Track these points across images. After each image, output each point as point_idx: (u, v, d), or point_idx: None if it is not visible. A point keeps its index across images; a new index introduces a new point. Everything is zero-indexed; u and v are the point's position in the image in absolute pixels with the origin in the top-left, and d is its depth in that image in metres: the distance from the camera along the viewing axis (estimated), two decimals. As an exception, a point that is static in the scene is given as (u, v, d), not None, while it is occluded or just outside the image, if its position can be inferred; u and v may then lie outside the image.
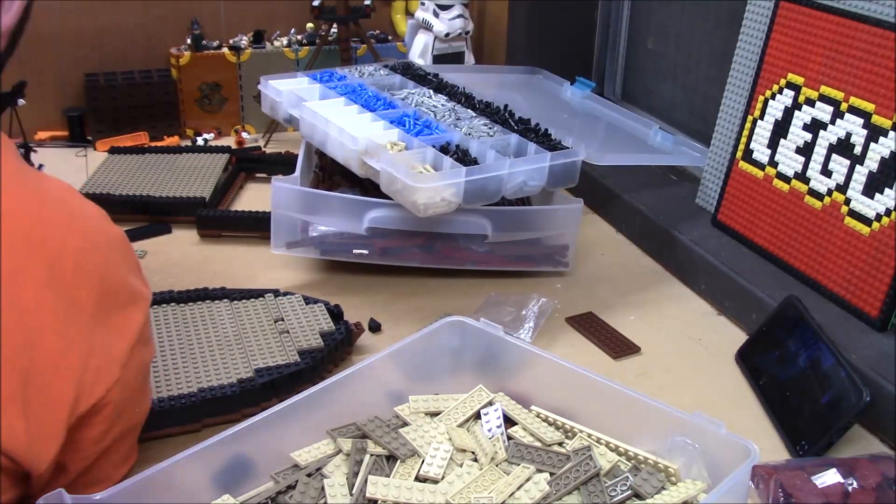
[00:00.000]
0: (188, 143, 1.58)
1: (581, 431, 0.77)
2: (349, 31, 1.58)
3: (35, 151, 1.42)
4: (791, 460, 0.76)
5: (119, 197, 1.26)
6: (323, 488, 0.69)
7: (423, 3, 1.61)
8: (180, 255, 1.18)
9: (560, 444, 0.77)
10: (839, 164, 0.97)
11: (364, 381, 0.78)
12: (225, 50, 1.59)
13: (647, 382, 0.93)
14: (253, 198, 1.37)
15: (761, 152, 1.08)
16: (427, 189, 0.95)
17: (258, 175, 1.45)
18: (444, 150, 1.04)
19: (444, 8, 1.58)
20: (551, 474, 0.72)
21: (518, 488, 0.70)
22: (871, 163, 0.93)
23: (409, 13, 1.77)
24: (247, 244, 1.20)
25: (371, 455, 0.73)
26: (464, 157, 1.03)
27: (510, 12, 1.62)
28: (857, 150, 0.95)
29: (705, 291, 1.10)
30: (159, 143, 1.56)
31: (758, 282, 1.01)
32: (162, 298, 0.97)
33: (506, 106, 1.22)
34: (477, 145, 1.05)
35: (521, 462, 0.73)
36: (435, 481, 0.71)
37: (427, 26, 1.60)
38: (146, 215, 1.25)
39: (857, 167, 0.95)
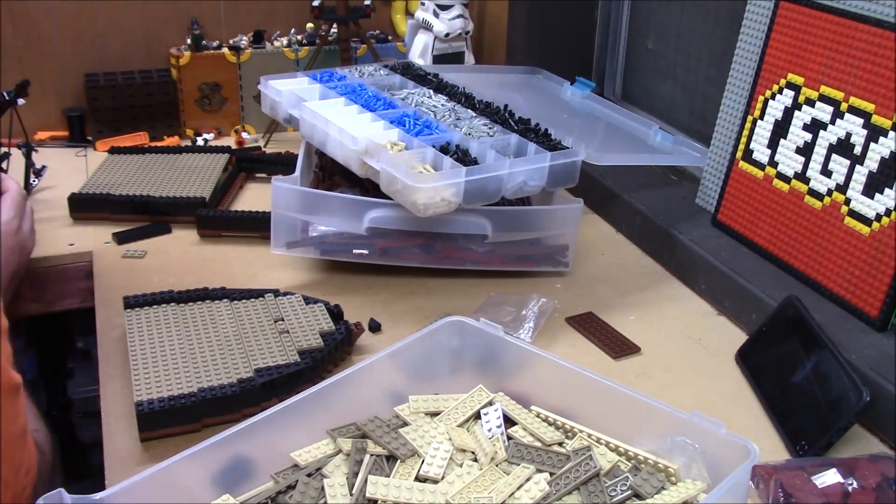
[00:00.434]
0: (188, 143, 1.58)
1: (581, 431, 0.77)
2: (349, 31, 1.58)
3: (36, 151, 1.42)
4: (791, 460, 0.76)
5: (119, 197, 1.26)
6: (323, 488, 0.69)
7: (423, 3, 1.61)
8: (180, 255, 1.18)
9: (560, 444, 0.77)
10: (839, 164, 0.97)
11: (364, 381, 0.78)
12: (225, 50, 1.59)
13: (647, 382, 0.93)
14: (253, 198, 1.37)
15: (761, 152, 1.08)
16: (427, 189, 0.95)
17: (258, 175, 1.45)
18: (444, 150, 1.04)
19: (444, 8, 1.58)
20: (551, 474, 0.72)
21: (518, 488, 0.70)
22: (871, 163, 0.93)
23: (409, 13, 1.77)
24: (247, 244, 1.20)
25: (371, 455, 0.73)
26: (464, 157, 1.03)
27: (510, 12, 1.62)
28: (857, 150, 0.95)
29: (705, 291, 1.10)
30: (159, 143, 1.56)
31: (758, 282, 1.01)
32: (162, 298, 0.97)
33: (506, 106, 1.22)
34: (477, 145, 1.05)
35: (521, 462, 0.73)
36: (435, 481, 0.71)
37: (427, 26, 1.60)
38: (146, 215, 1.25)
39: (857, 167, 0.95)
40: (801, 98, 1.02)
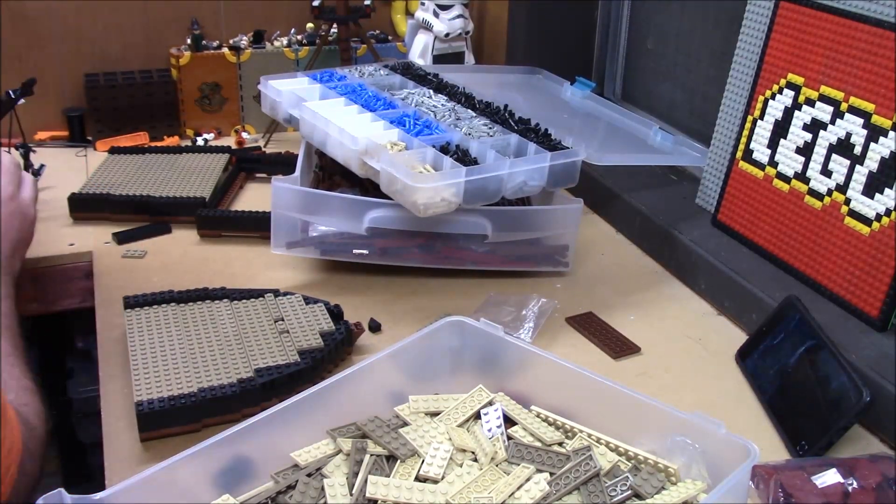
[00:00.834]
0: (188, 143, 1.58)
1: (581, 431, 0.77)
2: (349, 31, 1.58)
3: (34, 152, 1.42)
4: (791, 460, 0.76)
5: (119, 197, 1.26)
6: (323, 488, 0.69)
7: (423, 3, 1.61)
8: (180, 255, 1.18)
9: (560, 444, 0.77)
10: (839, 164, 0.97)
11: (364, 381, 0.78)
12: (225, 50, 1.59)
13: (647, 382, 0.93)
14: (253, 198, 1.37)
15: (761, 152, 1.08)
16: (427, 189, 0.95)
17: (258, 175, 1.45)
18: (444, 150, 1.04)
19: (444, 8, 1.58)
20: (551, 474, 0.72)
21: (518, 488, 0.70)
22: (871, 163, 0.93)
23: (409, 13, 1.77)
24: (247, 244, 1.20)
25: (371, 455, 0.73)
26: (464, 157, 1.03)
27: (510, 12, 1.62)
28: (857, 150, 0.95)
29: (705, 291, 1.10)
30: (159, 143, 1.56)
31: (758, 282, 1.01)
32: (162, 298, 0.97)
33: (506, 106, 1.22)
34: (477, 145, 1.05)
35: (521, 462, 0.73)
36: (435, 481, 0.71)
37: (427, 26, 1.60)
38: (146, 215, 1.25)
39: (857, 167, 0.95)
40: (801, 98, 1.02)
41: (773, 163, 1.06)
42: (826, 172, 0.99)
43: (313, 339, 0.90)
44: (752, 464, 0.67)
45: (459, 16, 1.59)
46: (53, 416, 0.84)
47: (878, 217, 0.92)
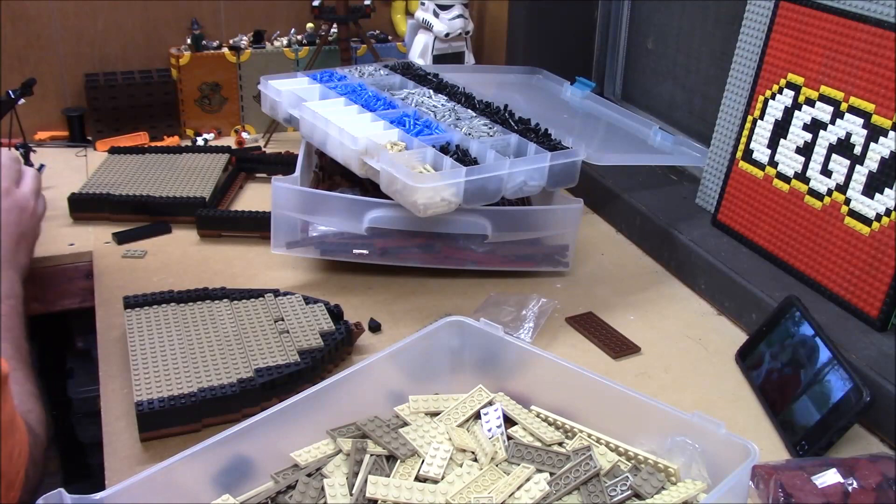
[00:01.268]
0: (188, 143, 1.58)
1: (581, 431, 0.77)
2: (349, 31, 1.58)
3: (34, 151, 1.42)
4: (791, 460, 0.76)
5: (119, 197, 1.26)
6: (323, 488, 0.69)
7: (423, 3, 1.61)
8: (180, 255, 1.18)
9: (560, 444, 0.77)
10: (839, 164, 0.97)
11: (364, 381, 0.78)
12: (225, 50, 1.59)
13: (647, 382, 0.93)
14: (253, 198, 1.37)
15: (761, 152, 1.08)
16: (427, 189, 0.95)
17: (258, 175, 1.45)
18: (444, 150, 1.04)
19: (444, 8, 1.58)
20: (551, 474, 0.72)
21: (518, 488, 0.70)
22: (871, 163, 0.93)
23: (409, 13, 1.77)
24: (247, 244, 1.20)
25: (371, 455, 0.73)
26: (464, 157, 1.03)
27: (510, 12, 1.62)
28: (857, 150, 0.95)
29: (705, 291, 1.10)
30: (159, 143, 1.56)
31: (758, 282, 1.01)
32: (162, 298, 0.97)
33: (506, 106, 1.22)
34: (477, 145, 1.05)
35: (521, 462, 0.73)
36: (435, 481, 0.71)
37: (427, 26, 1.60)
38: (146, 215, 1.25)
39: (857, 167, 0.95)
40: (801, 98, 1.02)
41: (773, 163, 1.06)
42: (826, 172, 0.99)
43: (313, 339, 0.90)
44: (752, 464, 0.67)
45: (459, 16, 1.59)
46: (53, 416, 0.84)
47: (878, 217, 0.92)
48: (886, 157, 0.91)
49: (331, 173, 1.25)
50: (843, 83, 0.97)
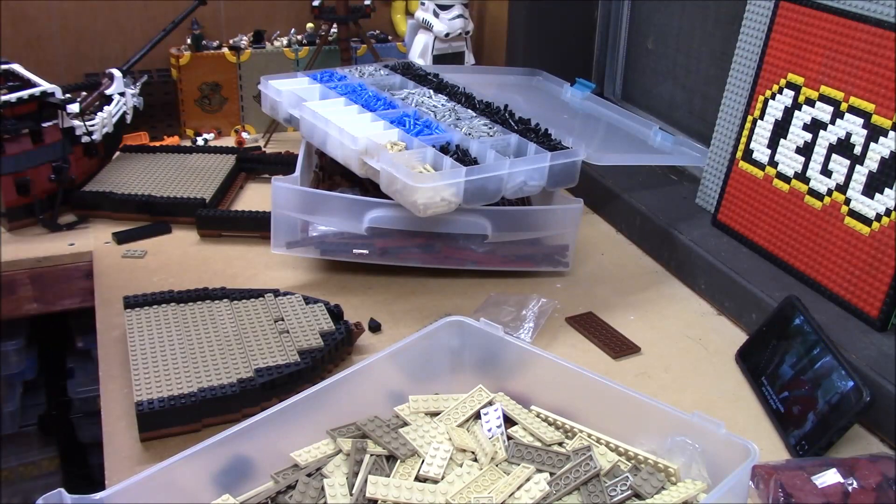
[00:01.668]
0: (188, 143, 1.57)
1: (581, 431, 0.77)
2: (349, 31, 1.58)
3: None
4: (791, 460, 0.76)
5: (120, 196, 1.26)
6: (323, 488, 0.69)
7: (423, 3, 1.61)
8: (180, 255, 1.18)
9: (560, 444, 0.77)
10: (839, 164, 0.97)
11: (364, 381, 0.78)
12: (225, 50, 1.59)
13: (647, 382, 0.93)
14: (253, 198, 1.37)
15: (761, 152, 1.08)
16: (427, 189, 0.95)
17: (258, 175, 1.45)
18: (444, 150, 1.04)
19: (444, 8, 1.59)
20: (551, 474, 0.72)
21: (518, 488, 0.70)
22: (871, 163, 0.93)
23: (409, 13, 1.77)
24: (247, 244, 1.20)
25: (371, 455, 0.73)
26: (464, 157, 1.03)
27: (510, 12, 1.62)
28: (857, 150, 0.95)
29: (705, 291, 1.10)
30: (160, 143, 1.56)
31: (758, 282, 1.01)
32: (162, 298, 0.97)
33: (506, 106, 1.22)
34: (477, 145, 1.05)
35: (521, 462, 0.73)
36: (435, 481, 0.71)
37: (427, 26, 1.60)
38: (148, 215, 1.25)
39: (857, 167, 0.95)
40: (801, 98, 1.02)
41: (773, 163, 1.06)
42: (826, 172, 0.99)
43: (313, 339, 0.90)
44: (752, 464, 0.67)
45: (459, 16, 1.59)
46: (53, 415, 0.84)
47: (878, 217, 0.92)
48: (886, 157, 0.91)
49: (331, 173, 1.25)
50: (843, 83, 0.97)
